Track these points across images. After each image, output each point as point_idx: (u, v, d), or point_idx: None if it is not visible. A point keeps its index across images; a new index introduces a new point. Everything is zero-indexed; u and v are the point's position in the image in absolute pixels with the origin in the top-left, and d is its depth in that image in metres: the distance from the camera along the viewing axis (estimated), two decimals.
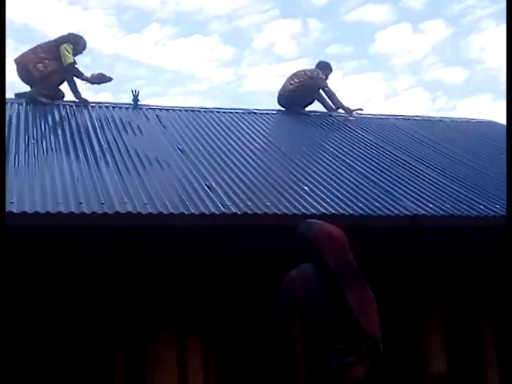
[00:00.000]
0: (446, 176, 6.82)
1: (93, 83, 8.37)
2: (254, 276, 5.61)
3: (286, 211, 5.31)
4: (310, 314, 2.93)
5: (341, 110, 9.08)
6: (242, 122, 8.26)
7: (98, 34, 20.03)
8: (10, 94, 7.61)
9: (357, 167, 6.89)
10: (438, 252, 5.97)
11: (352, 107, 9.11)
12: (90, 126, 7.44)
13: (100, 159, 6.32)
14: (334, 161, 7.05)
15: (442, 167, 7.13)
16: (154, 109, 8.37)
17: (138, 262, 5.44)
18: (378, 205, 5.69)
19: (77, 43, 8.28)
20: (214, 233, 5.32)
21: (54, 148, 6.53)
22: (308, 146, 7.51)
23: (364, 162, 7.12)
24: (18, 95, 8.01)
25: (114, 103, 8.47)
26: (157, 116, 8.10)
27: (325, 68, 9.15)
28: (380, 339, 3.02)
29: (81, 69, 8.30)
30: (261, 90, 22.06)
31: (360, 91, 20.30)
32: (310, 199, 5.68)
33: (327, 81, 9.07)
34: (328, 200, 5.70)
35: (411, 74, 22.90)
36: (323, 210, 5.38)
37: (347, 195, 5.90)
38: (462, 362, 6.21)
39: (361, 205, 5.64)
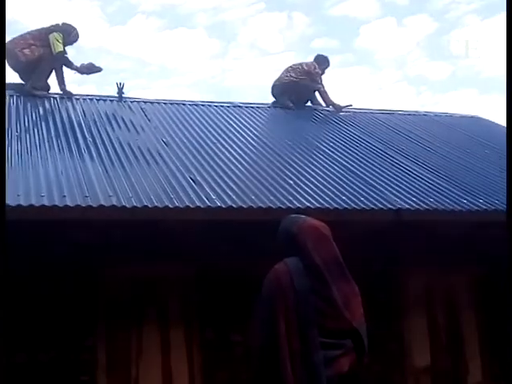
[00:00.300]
0: (429, 170, 6.86)
1: (82, 73, 8.34)
2: (238, 269, 5.62)
3: (270, 205, 5.31)
4: (295, 307, 2.94)
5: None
6: (227, 116, 8.25)
7: (82, 25, 19.82)
8: None
9: (341, 161, 6.91)
10: (421, 246, 6.01)
11: (341, 103, 9.08)
12: (74, 118, 7.39)
13: (84, 152, 6.29)
14: (318, 155, 7.07)
15: (425, 161, 7.17)
16: (138, 101, 8.34)
17: (121, 254, 5.42)
18: (362, 198, 5.71)
19: (69, 34, 8.22)
20: (198, 226, 5.32)
21: (37, 141, 6.48)
22: (293, 140, 7.51)
23: (348, 155, 7.14)
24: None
25: (99, 96, 8.42)
26: (141, 109, 8.07)
27: (322, 62, 9.18)
28: (364, 332, 3.04)
29: None
30: (246, 83, 22.05)
31: (345, 85, 20.31)
32: (294, 193, 5.69)
33: (323, 75, 9.10)
34: (313, 194, 5.72)
35: (395, 69, 22.98)
36: (308, 204, 5.40)
37: (332, 189, 5.92)
38: (445, 355, 6.26)
39: (345, 198, 5.66)
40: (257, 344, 3.02)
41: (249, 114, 8.50)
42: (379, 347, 5.73)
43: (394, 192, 6.00)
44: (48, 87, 8.20)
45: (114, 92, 8.41)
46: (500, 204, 5.91)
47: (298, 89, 8.83)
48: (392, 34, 20.86)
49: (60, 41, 8.03)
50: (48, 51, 7.99)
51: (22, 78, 8.09)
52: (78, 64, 8.29)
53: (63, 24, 8.28)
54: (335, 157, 7.05)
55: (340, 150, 7.35)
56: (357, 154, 7.22)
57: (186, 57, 22.19)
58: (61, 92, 8.17)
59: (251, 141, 7.31)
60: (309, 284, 2.97)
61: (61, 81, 8.18)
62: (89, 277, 5.42)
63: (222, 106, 8.62)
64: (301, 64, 9.04)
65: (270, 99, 9.08)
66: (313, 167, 6.60)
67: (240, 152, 6.84)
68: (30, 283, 5.28)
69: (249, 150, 6.98)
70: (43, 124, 7.07)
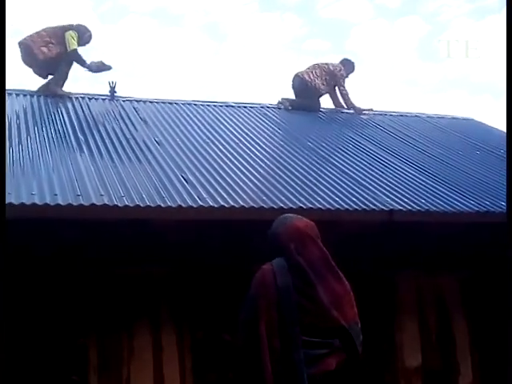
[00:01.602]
0: (421, 172, 6.87)
1: (93, 71, 8.39)
2: (230, 269, 5.61)
3: (263, 205, 5.31)
4: (276, 305, 2.95)
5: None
6: (219, 115, 8.24)
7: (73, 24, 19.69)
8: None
9: (334, 162, 6.91)
10: (413, 247, 6.02)
11: (362, 106, 9.32)
12: (65, 117, 7.36)
13: (76, 151, 6.27)
14: (311, 155, 7.07)
15: (418, 163, 7.19)
16: (131, 100, 8.32)
17: (113, 254, 5.41)
18: (354, 199, 5.71)
19: (83, 34, 8.36)
20: (190, 225, 5.30)
21: (28, 140, 6.45)
22: (286, 140, 7.52)
23: (341, 156, 7.14)
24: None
25: (91, 94, 8.39)
26: (134, 108, 8.05)
27: (348, 66, 9.36)
28: (358, 331, 3.03)
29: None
30: (238, 83, 22.03)
31: None
32: (287, 193, 5.68)
33: (347, 79, 9.28)
34: (305, 194, 5.72)
35: (387, 70, 22.99)
36: (300, 204, 5.40)
37: (324, 189, 5.92)
38: (436, 355, 6.27)
39: (337, 199, 5.66)
40: (239, 343, 3.03)
41: (241, 113, 8.49)
42: (370, 348, 5.73)
43: (387, 193, 6.01)
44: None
45: (106, 91, 8.40)
46: (491, 206, 5.93)
47: (309, 90, 8.94)
48: (383, 36, 20.91)
49: (75, 39, 8.18)
50: (63, 49, 8.12)
51: (37, 74, 8.22)
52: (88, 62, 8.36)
53: (78, 25, 8.42)
54: (327, 157, 7.06)
55: (332, 150, 7.35)
56: (349, 155, 7.23)
57: (179, 56, 22.16)
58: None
59: (244, 140, 7.31)
60: (292, 282, 2.98)
61: (62, 78, 8.22)
62: (80, 276, 5.39)
63: (214, 106, 8.62)
64: (327, 64, 9.20)
65: (263, 99, 9.14)
66: (305, 167, 6.60)
67: (232, 152, 6.84)
68: (20, 282, 5.25)
69: (241, 149, 6.97)
70: (33, 122, 7.03)
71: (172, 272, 5.62)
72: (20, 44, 8.17)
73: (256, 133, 7.74)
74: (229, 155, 6.70)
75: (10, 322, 5.14)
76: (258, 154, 6.87)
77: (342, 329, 2.99)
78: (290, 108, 8.89)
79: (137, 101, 8.32)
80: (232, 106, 8.73)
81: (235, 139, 7.31)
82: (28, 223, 4.89)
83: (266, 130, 7.98)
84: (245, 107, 8.78)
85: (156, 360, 5.53)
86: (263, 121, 8.34)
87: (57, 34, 8.16)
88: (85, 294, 5.41)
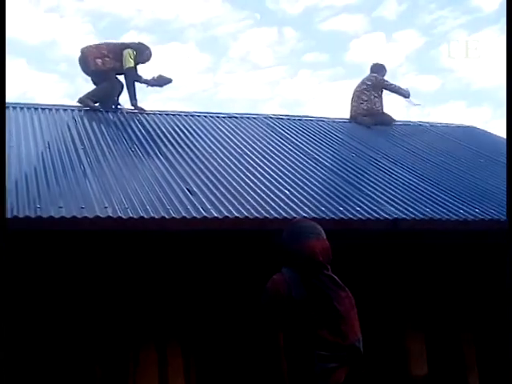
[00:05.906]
0: (425, 180, 6.87)
1: (153, 85, 8.48)
2: (235, 280, 5.61)
3: (266, 215, 5.31)
4: (294, 318, 2.94)
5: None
6: (222, 126, 8.25)
7: (74, 41, 19.86)
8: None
9: (337, 171, 6.91)
10: (418, 255, 6.01)
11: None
12: (67, 129, 7.38)
13: (79, 163, 6.28)
14: (314, 165, 7.07)
15: (421, 171, 7.18)
16: (134, 112, 8.34)
17: (117, 267, 5.41)
18: (358, 208, 5.71)
19: (142, 53, 8.45)
20: (195, 237, 5.30)
21: (29, 151, 6.46)
22: (288, 150, 7.52)
23: (344, 165, 7.14)
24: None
25: (95, 107, 8.40)
26: (137, 120, 8.07)
27: (380, 69, 9.46)
28: (360, 343, 3.03)
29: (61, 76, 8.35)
30: (237, 96, 22.08)
31: (336, 99, 20.43)
32: (290, 203, 5.68)
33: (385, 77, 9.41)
34: (309, 204, 5.72)
35: None
36: (304, 214, 5.39)
37: (327, 199, 5.92)
38: (443, 364, 6.24)
39: (341, 208, 5.66)
40: (258, 351, 3.02)
41: (244, 124, 8.51)
42: (377, 357, 5.72)
43: (390, 202, 6.00)
44: (116, 103, 8.40)
45: None
46: (496, 213, 5.91)
47: (373, 113, 9.13)
48: (381, 49, 20.96)
49: (132, 57, 8.29)
50: (119, 66, 8.24)
51: (93, 83, 8.39)
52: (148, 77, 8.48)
53: (138, 43, 8.57)
54: (331, 167, 7.06)
55: (336, 159, 7.36)
56: (352, 164, 7.23)
57: (178, 71, 22.18)
58: (132, 107, 8.32)
59: (247, 151, 7.32)
60: (306, 296, 2.96)
61: (132, 96, 8.32)
62: (86, 288, 5.39)
63: (217, 117, 8.63)
64: (363, 82, 9.30)
65: (261, 111, 9.17)
66: (309, 177, 6.60)
67: (236, 162, 6.84)
68: (26, 294, 5.25)
69: (244, 160, 6.98)
70: (32, 134, 7.05)
71: (176, 282, 5.61)
72: (81, 51, 8.32)
73: (259, 143, 7.75)
74: (233, 166, 6.70)
75: (15, 335, 5.14)
76: (262, 165, 6.87)
77: (349, 342, 2.98)
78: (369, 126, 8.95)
79: (140, 113, 8.35)
80: (235, 117, 8.74)
81: (239, 150, 7.32)
82: (33, 236, 4.90)
83: (269, 141, 7.99)
84: (248, 118, 8.80)
85: (161, 373, 5.51)
86: (266, 131, 8.36)
87: (115, 50, 8.30)
88: (89, 307, 5.41)
